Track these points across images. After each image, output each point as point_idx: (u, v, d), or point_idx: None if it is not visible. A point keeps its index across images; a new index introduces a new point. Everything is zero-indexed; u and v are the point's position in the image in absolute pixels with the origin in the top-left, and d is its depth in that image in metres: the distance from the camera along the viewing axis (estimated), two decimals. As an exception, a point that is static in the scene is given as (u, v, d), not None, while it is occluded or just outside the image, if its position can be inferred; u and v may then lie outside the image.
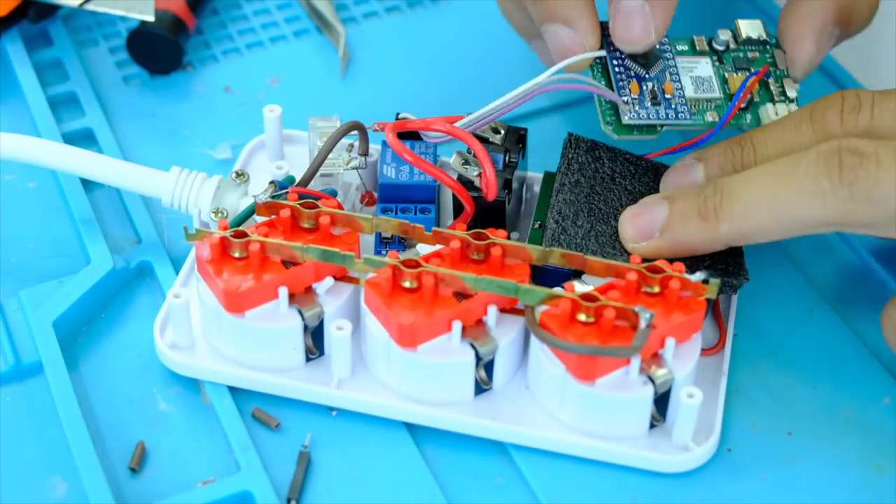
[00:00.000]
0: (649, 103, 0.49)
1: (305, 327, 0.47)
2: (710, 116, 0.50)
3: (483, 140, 0.50)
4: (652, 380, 0.45)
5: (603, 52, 0.50)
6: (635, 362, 0.45)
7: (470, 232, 0.47)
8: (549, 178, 0.52)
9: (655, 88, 0.50)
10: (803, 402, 0.49)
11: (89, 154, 0.52)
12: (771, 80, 0.51)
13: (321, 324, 0.47)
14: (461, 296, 0.46)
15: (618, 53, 0.50)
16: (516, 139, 0.51)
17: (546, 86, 0.48)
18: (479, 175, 0.49)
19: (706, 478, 0.46)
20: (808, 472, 0.47)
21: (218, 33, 0.64)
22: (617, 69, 0.50)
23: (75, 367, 0.49)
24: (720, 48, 0.52)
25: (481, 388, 0.47)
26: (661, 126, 0.50)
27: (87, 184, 0.55)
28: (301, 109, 0.57)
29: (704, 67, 0.51)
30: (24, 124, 0.59)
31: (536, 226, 0.51)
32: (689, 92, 0.50)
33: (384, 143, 0.51)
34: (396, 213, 0.50)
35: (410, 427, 0.47)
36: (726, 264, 0.48)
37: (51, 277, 0.51)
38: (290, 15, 0.65)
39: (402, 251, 0.49)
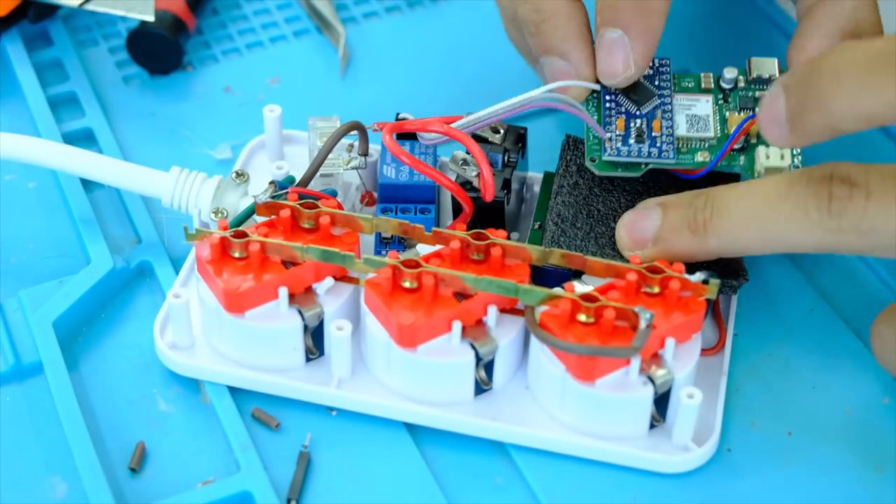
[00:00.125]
0: (633, 140, 0.49)
1: (305, 327, 0.47)
2: (701, 156, 0.49)
3: (482, 140, 0.50)
4: (652, 380, 0.45)
5: (598, 86, 0.50)
6: (635, 362, 0.45)
7: (470, 232, 0.47)
8: (548, 178, 0.52)
9: (643, 126, 0.49)
10: (803, 402, 0.49)
11: (89, 154, 0.52)
12: None
13: (321, 324, 0.47)
14: (461, 296, 0.46)
15: (611, 88, 0.50)
16: (515, 138, 0.51)
17: (537, 102, 0.48)
18: (478, 175, 0.49)
19: (706, 478, 0.46)
20: (808, 472, 0.47)
21: (218, 33, 0.64)
22: (607, 104, 0.50)
23: (75, 367, 0.49)
24: (727, 86, 0.51)
25: (481, 388, 0.47)
26: (645, 164, 0.49)
27: (87, 184, 0.55)
28: (301, 109, 0.57)
29: (704, 106, 0.50)
30: (24, 124, 0.59)
31: (536, 226, 0.51)
32: (682, 131, 0.49)
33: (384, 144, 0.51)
34: (396, 214, 0.50)
35: (410, 427, 0.47)
36: (726, 265, 0.48)
37: (51, 277, 0.51)
38: (290, 15, 0.65)
39: (402, 251, 0.49)
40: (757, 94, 0.51)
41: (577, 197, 0.50)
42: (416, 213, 0.50)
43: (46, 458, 0.46)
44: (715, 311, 0.50)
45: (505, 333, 0.46)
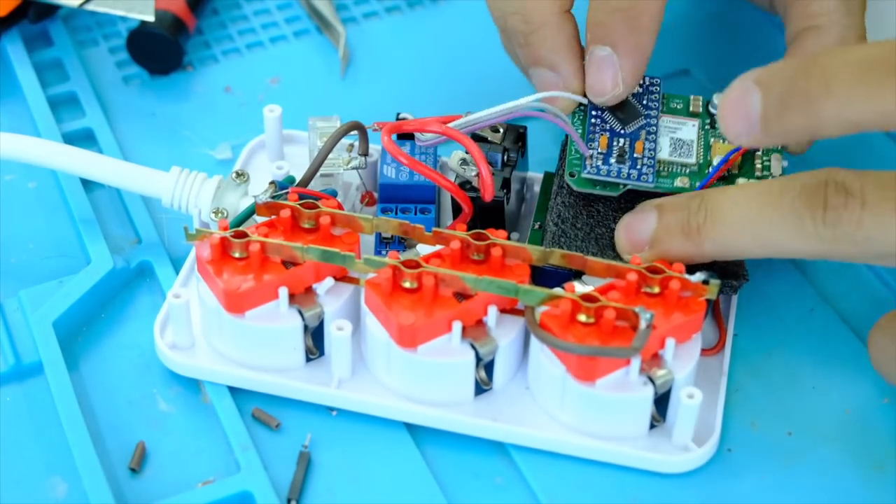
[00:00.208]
0: (613, 160, 0.49)
1: (305, 327, 0.47)
2: (681, 181, 0.49)
3: (482, 139, 0.50)
4: (652, 380, 0.45)
5: (585, 100, 0.50)
6: (635, 363, 0.45)
7: (470, 232, 0.47)
8: (548, 178, 0.52)
9: (625, 146, 0.49)
10: (803, 402, 0.49)
11: (89, 154, 0.52)
12: (758, 154, 0.50)
13: (321, 324, 0.47)
14: (461, 296, 0.46)
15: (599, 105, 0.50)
16: (515, 138, 0.51)
17: (525, 110, 0.48)
18: (477, 175, 0.49)
19: (706, 478, 0.46)
20: (808, 472, 0.47)
21: (218, 33, 0.64)
22: (593, 119, 0.50)
23: (75, 367, 0.49)
24: (715, 112, 0.50)
25: (481, 388, 0.47)
26: (623, 185, 0.49)
27: (87, 184, 0.55)
28: (301, 109, 0.57)
29: (689, 130, 0.50)
30: (24, 124, 0.59)
31: (536, 226, 0.51)
32: (664, 154, 0.49)
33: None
34: (396, 214, 0.50)
35: (410, 427, 0.47)
36: (726, 265, 0.48)
37: (51, 277, 0.51)
38: (290, 15, 0.65)
39: (403, 251, 0.49)
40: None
41: (577, 197, 0.50)
42: (416, 213, 0.50)
43: (46, 458, 0.46)
44: (715, 311, 0.50)
45: (505, 334, 0.46)
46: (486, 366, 0.47)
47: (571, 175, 0.49)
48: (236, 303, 0.46)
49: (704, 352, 0.48)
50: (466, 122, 0.48)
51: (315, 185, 0.51)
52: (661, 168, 0.49)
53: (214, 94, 0.61)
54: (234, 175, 0.51)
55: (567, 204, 0.50)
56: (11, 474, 0.46)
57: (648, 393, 0.45)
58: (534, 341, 0.46)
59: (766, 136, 0.42)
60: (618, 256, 0.48)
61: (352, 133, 0.50)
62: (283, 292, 0.46)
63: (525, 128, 0.52)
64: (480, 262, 0.47)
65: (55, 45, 0.62)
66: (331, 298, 0.47)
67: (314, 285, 0.47)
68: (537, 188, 0.53)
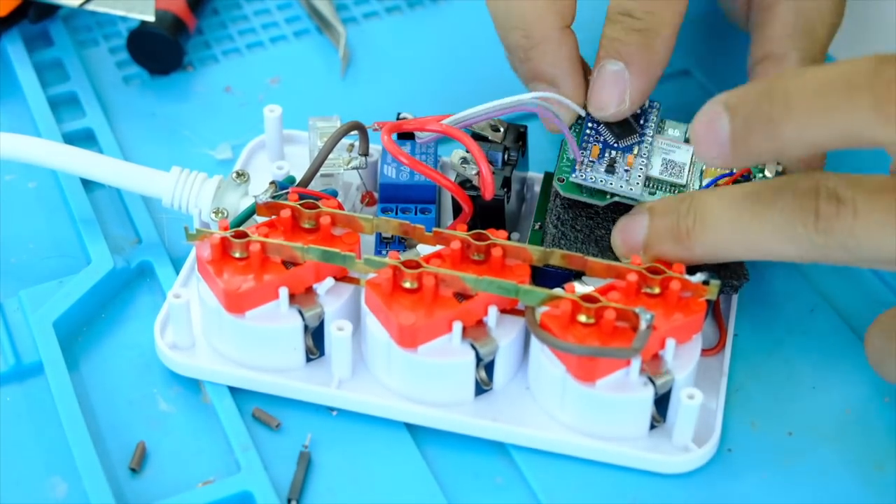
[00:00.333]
0: (603, 169, 0.49)
1: (306, 327, 0.47)
2: None
3: (482, 138, 0.50)
4: (652, 381, 0.45)
5: (584, 112, 0.50)
6: (635, 363, 0.45)
7: (470, 232, 0.47)
8: (549, 178, 0.52)
9: (616, 157, 0.49)
10: (803, 402, 0.49)
11: (89, 154, 0.52)
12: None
13: (321, 324, 0.47)
14: (462, 296, 0.46)
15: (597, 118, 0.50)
16: (516, 137, 0.51)
17: (527, 105, 0.48)
18: (478, 174, 0.49)
19: (706, 478, 0.46)
20: (808, 472, 0.47)
21: (218, 33, 0.64)
22: (588, 130, 0.50)
23: (75, 367, 0.49)
24: None
25: (482, 388, 0.47)
26: (610, 195, 0.49)
27: (88, 184, 0.55)
28: (301, 109, 0.57)
29: (683, 154, 0.50)
30: (24, 124, 0.59)
31: (537, 226, 0.51)
32: (655, 172, 0.49)
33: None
34: (397, 213, 0.50)
35: (411, 427, 0.47)
36: (726, 264, 0.48)
37: (51, 277, 0.51)
38: (290, 15, 0.65)
39: (403, 251, 0.49)
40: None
41: (576, 198, 0.50)
42: (416, 213, 0.50)
43: (46, 458, 0.46)
44: (715, 311, 0.50)
45: (505, 334, 0.46)
46: (487, 366, 0.47)
47: (560, 180, 0.49)
48: (236, 303, 0.46)
49: (705, 352, 0.48)
50: (465, 115, 0.48)
51: (315, 185, 0.51)
52: (650, 184, 0.49)
53: (215, 94, 0.61)
54: (234, 175, 0.51)
55: (566, 206, 0.50)
56: (11, 474, 0.46)
57: (649, 393, 0.45)
58: (534, 341, 0.46)
59: (735, 158, 0.43)
60: (617, 257, 0.48)
61: (352, 133, 0.50)
62: (284, 292, 0.46)
63: (525, 127, 0.52)
64: (481, 263, 0.47)
65: (55, 45, 0.62)
66: (331, 298, 0.47)
67: (314, 285, 0.47)
68: (537, 188, 0.53)
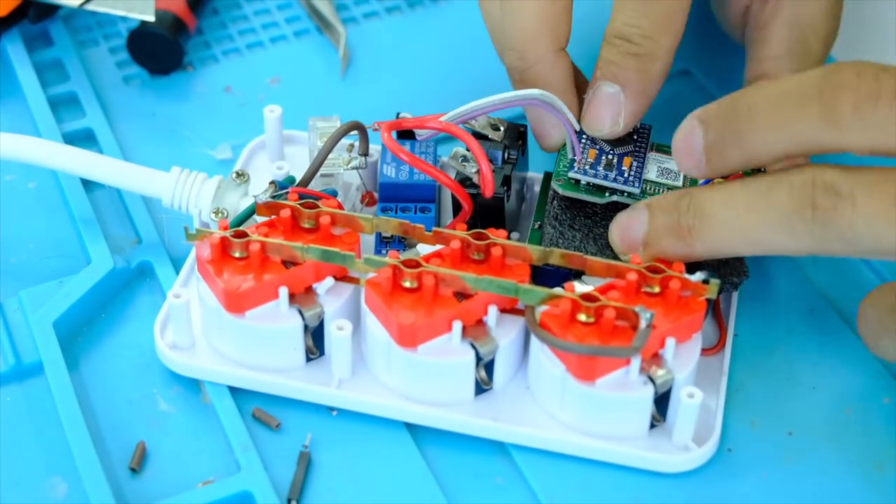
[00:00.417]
0: (602, 167, 0.49)
1: (306, 327, 0.47)
2: None
3: (482, 137, 0.50)
4: (652, 380, 0.45)
5: (579, 126, 0.50)
6: (635, 362, 0.45)
7: (470, 232, 0.47)
8: (549, 177, 0.52)
9: (613, 159, 0.49)
10: (803, 402, 0.49)
11: (89, 154, 0.52)
12: None
13: (321, 324, 0.47)
14: (461, 296, 0.46)
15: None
16: (516, 136, 0.51)
17: (532, 99, 0.48)
18: (477, 172, 0.49)
19: (706, 478, 0.46)
20: (808, 472, 0.47)
21: (218, 33, 0.64)
22: (584, 139, 0.50)
23: (75, 367, 0.49)
24: None
25: (481, 388, 0.47)
26: (609, 192, 0.49)
27: (88, 184, 0.55)
28: (301, 109, 0.57)
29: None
30: (24, 124, 0.59)
31: (536, 226, 0.51)
32: (652, 176, 0.49)
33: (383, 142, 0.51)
34: (396, 213, 0.50)
35: (411, 427, 0.47)
36: (726, 261, 0.49)
37: (51, 277, 0.51)
38: (290, 15, 0.65)
39: (403, 251, 0.49)
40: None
41: (574, 198, 0.50)
42: (416, 212, 0.50)
43: (46, 458, 0.46)
44: (715, 310, 0.50)
45: (505, 333, 0.46)
46: (487, 365, 0.47)
47: (558, 180, 0.49)
48: (236, 303, 0.46)
49: (705, 351, 0.48)
50: (468, 108, 0.48)
51: (315, 185, 0.51)
52: (647, 187, 0.49)
53: (215, 94, 0.61)
54: (234, 175, 0.51)
55: (564, 206, 0.50)
56: (11, 474, 0.46)
57: (648, 392, 0.45)
58: (534, 341, 0.46)
59: (710, 169, 0.45)
60: (617, 256, 0.48)
61: (352, 133, 0.50)
62: (284, 292, 0.46)
63: (526, 127, 0.52)
64: (480, 262, 0.47)
65: (55, 45, 0.62)
66: (331, 298, 0.47)
67: (314, 285, 0.47)
68: (537, 188, 0.53)
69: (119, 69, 0.62)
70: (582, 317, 0.45)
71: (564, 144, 0.50)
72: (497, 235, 0.47)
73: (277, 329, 0.47)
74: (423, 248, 0.48)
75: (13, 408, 0.48)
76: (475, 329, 0.46)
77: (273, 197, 0.49)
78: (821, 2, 0.52)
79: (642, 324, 0.44)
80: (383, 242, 0.50)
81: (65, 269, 0.52)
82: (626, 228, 0.47)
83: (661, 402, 0.46)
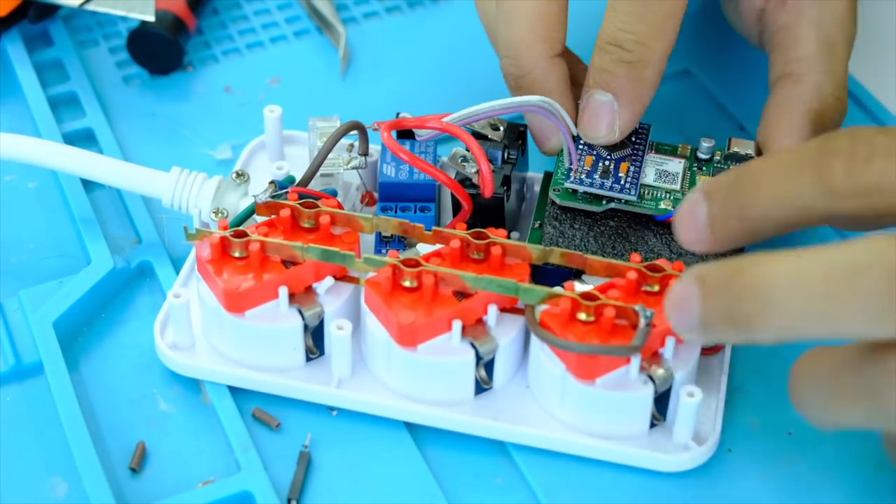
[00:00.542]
0: (598, 175, 0.49)
1: (305, 327, 0.47)
2: (664, 204, 0.49)
3: (482, 137, 0.50)
4: (652, 379, 0.45)
5: (576, 132, 0.50)
6: (635, 361, 0.45)
7: (470, 231, 0.47)
8: (549, 177, 0.52)
9: (610, 166, 0.49)
10: (804, 401, 0.49)
11: (89, 154, 0.52)
12: None
13: (321, 323, 0.47)
14: (461, 295, 0.46)
15: None
16: (516, 136, 0.51)
17: (533, 105, 0.48)
18: (477, 172, 0.49)
19: (706, 478, 0.46)
20: (809, 472, 0.47)
21: (218, 33, 0.64)
22: (581, 145, 0.50)
23: (75, 367, 0.49)
24: (704, 156, 0.50)
25: (481, 387, 0.47)
26: (606, 200, 0.49)
27: (88, 184, 0.55)
28: (301, 109, 0.57)
29: (675, 165, 0.50)
30: (24, 124, 0.59)
31: (536, 225, 0.51)
32: (648, 180, 0.49)
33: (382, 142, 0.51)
34: (396, 212, 0.50)
35: (410, 427, 0.47)
36: (726, 257, 0.48)
37: (51, 277, 0.51)
38: (290, 15, 0.65)
39: (403, 250, 0.49)
40: (731, 167, 0.50)
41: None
42: (416, 212, 0.50)
43: (46, 458, 0.46)
44: (715, 310, 0.50)
45: (505, 332, 0.46)
46: (487, 365, 0.47)
47: (556, 190, 0.49)
48: (236, 302, 0.46)
49: (705, 351, 0.48)
50: (468, 113, 0.48)
51: (315, 185, 0.51)
52: (644, 192, 0.49)
53: (214, 94, 0.61)
54: (234, 175, 0.51)
55: (562, 210, 0.50)
56: (11, 474, 0.46)
57: (648, 391, 0.45)
58: (534, 340, 0.46)
59: (714, 242, 0.44)
60: (617, 255, 0.48)
61: (352, 133, 0.50)
62: (283, 292, 0.46)
63: (525, 126, 0.52)
64: (480, 261, 0.47)
65: (55, 45, 0.62)
66: (331, 298, 0.47)
67: (314, 285, 0.47)
68: (537, 188, 0.53)
69: (119, 69, 0.62)
70: (582, 316, 0.45)
71: (562, 150, 0.50)
72: (497, 235, 0.47)
73: (277, 329, 0.47)
74: (423, 248, 0.48)
75: (13, 408, 0.48)
76: (475, 328, 0.46)
77: (273, 197, 0.49)
78: (843, 2, 0.52)
79: (642, 322, 0.44)
80: (383, 242, 0.50)
81: (65, 269, 0.52)
82: (681, 308, 0.42)
83: (661, 401, 0.46)
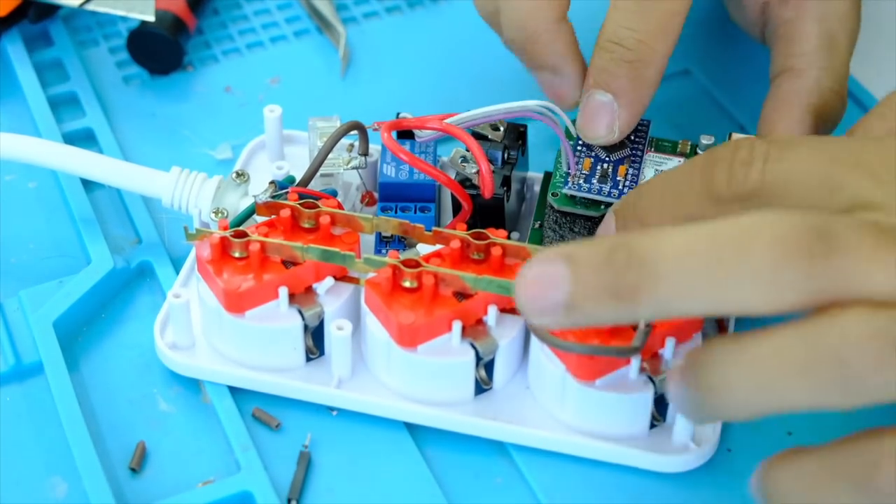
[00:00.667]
0: (595, 180, 0.49)
1: (305, 327, 0.47)
2: None
3: (482, 137, 0.50)
4: (652, 379, 0.45)
5: (574, 132, 0.50)
6: (635, 362, 0.45)
7: (470, 232, 0.47)
8: (549, 178, 0.52)
9: (608, 169, 0.49)
10: (803, 401, 0.49)
11: (89, 154, 0.52)
12: None
13: (321, 324, 0.47)
14: (461, 295, 0.46)
15: None
16: (516, 136, 0.51)
17: (531, 111, 0.48)
18: (477, 172, 0.49)
19: (706, 477, 0.46)
20: (809, 472, 0.47)
21: (218, 33, 0.64)
22: (579, 146, 0.50)
23: (75, 367, 0.49)
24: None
25: (481, 387, 0.47)
26: (604, 205, 0.49)
27: (88, 184, 0.55)
28: (301, 109, 0.57)
29: (675, 164, 0.50)
30: (24, 124, 0.59)
31: (537, 226, 0.51)
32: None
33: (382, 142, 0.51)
34: (396, 212, 0.50)
35: (411, 427, 0.47)
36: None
37: (51, 277, 0.51)
38: (290, 15, 0.65)
39: (403, 251, 0.49)
40: None
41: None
42: (416, 212, 0.50)
43: (46, 458, 0.46)
44: (715, 310, 0.50)
45: (505, 333, 0.46)
46: (487, 365, 0.47)
47: (554, 195, 0.49)
48: (236, 302, 0.46)
49: (705, 351, 0.48)
50: (466, 117, 0.48)
51: (315, 185, 0.51)
52: None
53: (214, 94, 0.61)
54: (234, 175, 0.51)
55: (561, 214, 0.50)
56: (11, 474, 0.46)
57: (649, 392, 0.45)
58: (534, 341, 0.46)
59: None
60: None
61: (352, 133, 0.50)
62: (283, 292, 0.46)
63: (525, 126, 0.52)
64: (480, 262, 0.47)
65: (55, 45, 0.62)
66: (331, 298, 0.47)
67: (314, 285, 0.47)
68: (537, 188, 0.53)
69: (119, 69, 0.62)
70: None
71: (561, 153, 0.50)
72: (497, 235, 0.47)
73: (277, 329, 0.47)
74: (423, 248, 0.48)
75: (13, 408, 0.48)
76: (475, 329, 0.46)
77: (273, 197, 0.49)
78: None
79: (642, 323, 0.44)
80: (383, 242, 0.50)
81: (65, 269, 0.52)
82: (539, 286, 0.39)
83: (661, 401, 0.46)
